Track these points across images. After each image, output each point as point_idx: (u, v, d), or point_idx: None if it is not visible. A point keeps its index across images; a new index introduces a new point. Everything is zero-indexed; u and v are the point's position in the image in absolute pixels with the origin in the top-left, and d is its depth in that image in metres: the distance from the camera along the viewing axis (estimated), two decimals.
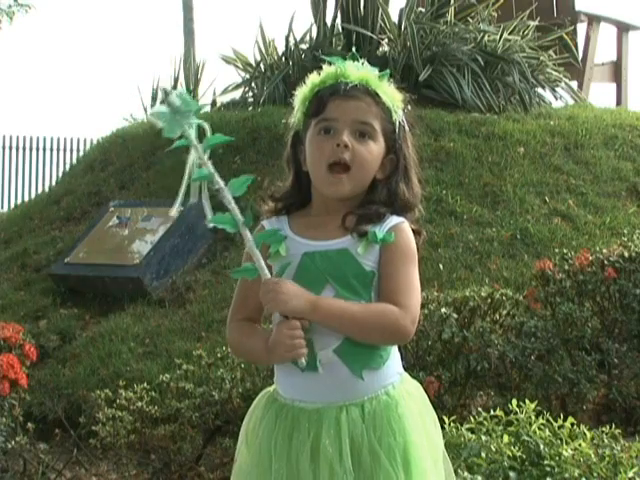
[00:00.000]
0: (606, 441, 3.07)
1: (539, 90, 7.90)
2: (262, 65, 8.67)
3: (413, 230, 1.99)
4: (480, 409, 3.31)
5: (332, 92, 1.96)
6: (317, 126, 1.97)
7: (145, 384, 4.15)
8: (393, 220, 1.96)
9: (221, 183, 1.83)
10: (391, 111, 1.99)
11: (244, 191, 1.86)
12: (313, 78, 2.01)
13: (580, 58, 8.63)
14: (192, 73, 10.59)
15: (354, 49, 2.07)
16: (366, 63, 2.01)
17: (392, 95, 2.00)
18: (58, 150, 16.42)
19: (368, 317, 1.89)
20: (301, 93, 2.02)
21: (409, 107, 2.04)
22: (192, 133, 1.80)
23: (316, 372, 1.90)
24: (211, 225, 1.86)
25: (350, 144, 1.93)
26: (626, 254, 4.40)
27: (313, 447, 1.88)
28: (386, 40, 8.15)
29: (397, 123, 2.00)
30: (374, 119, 1.96)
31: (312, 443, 1.88)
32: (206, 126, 1.83)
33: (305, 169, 2.01)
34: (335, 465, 1.85)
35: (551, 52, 8.10)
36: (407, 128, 2.03)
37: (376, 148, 1.97)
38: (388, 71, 2.02)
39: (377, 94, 1.97)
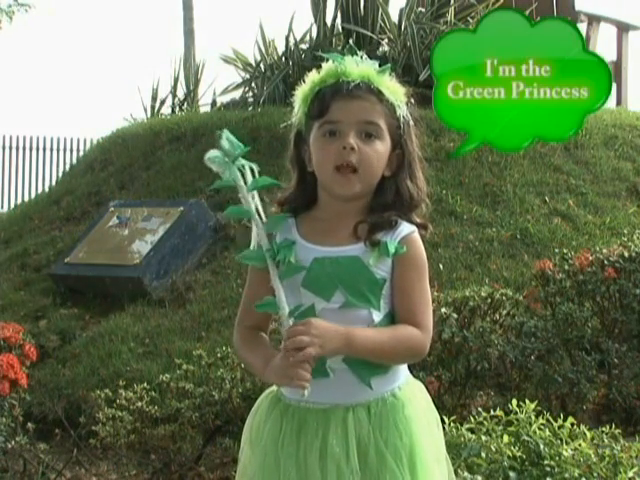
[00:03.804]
0: (606, 441, 3.07)
1: None
2: (262, 65, 8.68)
3: (419, 224, 1.97)
4: (480, 409, 3.30)
5: (334, 92, 1.92)
6: (321, 128, 1.93)
7: (145, 384, 4.14)
8: (404, 229, 1.93)
9: (259, 221, 1.89)
10: (394, 106, 1.95)
11: (279, 229, 1.93)
12: (313, 76, 1.97)
13: None
14: (192, 73, 10.60)
15: (357, 45, 2.04)
16: (365, 57, 1.96)
17: (395, 90, 1.96)
18: (58, 150, 16.41)
19: (396, 345, 1.89)
20: (301, 92, 1.98)
21: (412, 101, 2.01)
22: (238, 174, 1.89)
23: (326, 377, 1.89)
24: (244, 262, 1.94)
25: (356, 146, 1.90)
26: (626, 254, 4.40)
27: (321, 447, 1.87)
28: (386, 40, 8.15)
29: (401, 118, 1.96)
30: (379, 117, 1.93)
31: (320, 443, 1.88)
32: (254, 167, 1.89)
33: (310, 169, 1.98)
34: (342, 465, 1.85)
35: None
36: (411, 123, 1.99)
37: (382, 147, 1.93)
38: (389, 65, 1.98)
39: (380, 91, 1.93)
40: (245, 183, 1.88)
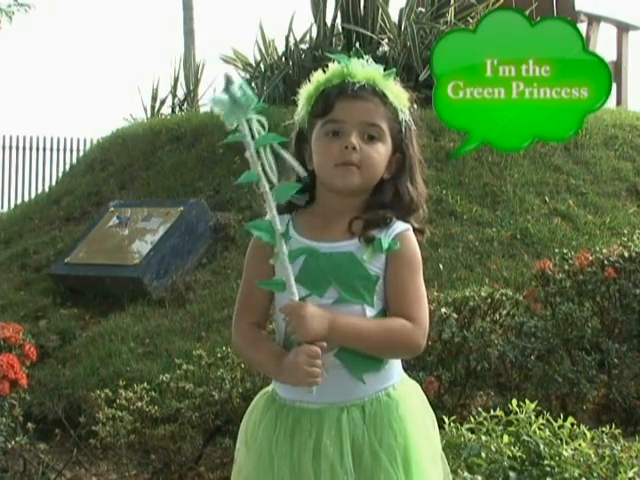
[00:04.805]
0: (606, 441, 3.06)
1: None
2: (262, 65, 8.68)
3: (416, 229, 1.98)
4: (480, 409, 3.30)
5: (339, 92, 1.94)
6: (324, 127, 1.95)
7: (145, 384, 4.14)
8: (399, 227, 1.94)
9: (266, 187, 1.82)
10: (397, 110, 1.97)
11: (288, 199, 1.88)
12: (318, 76, 1.98)
13: None
14: (192, 73, 10.62)
15: (357, 45, 2.04)
16: (371, 60, 1.98)
17: (398, 94, 1.98)
18: (58, 150, 16.41)
19: (383, 335, 1.88)
20: (306, 91, 2.00)
21: (415, 106, 2.02)
22: (246, 128, 1.79)
23: None
24: (252, 231, 1.86)
25: (358, 146, 1.92)
26: (626, 254, 4.40)
27: (315, 447, 1.88)
28: (386, 40, 8.15)
29: (403, 122, 1.98)
30: (381, 120, 1.94)
31: (314, 443, 1.88)
32: (264, 122, 1.82)
33: (310, 167, 1.99)
34: (336, 465, 1.85)
35: None
36: (413, 127, 2.01)
37: (384, 149, 1.95)
38: (394, 69, 2.01)
39: (384, 94, 1.95)
40: (252, 138, 1.80)
